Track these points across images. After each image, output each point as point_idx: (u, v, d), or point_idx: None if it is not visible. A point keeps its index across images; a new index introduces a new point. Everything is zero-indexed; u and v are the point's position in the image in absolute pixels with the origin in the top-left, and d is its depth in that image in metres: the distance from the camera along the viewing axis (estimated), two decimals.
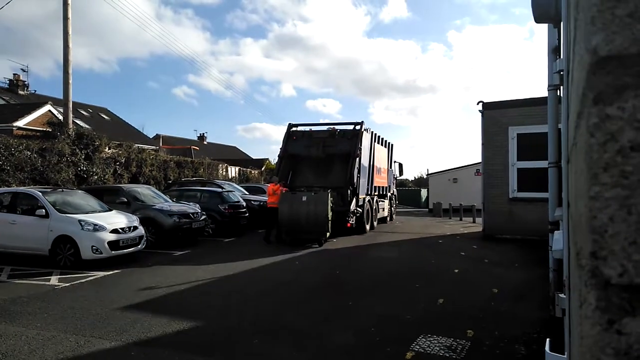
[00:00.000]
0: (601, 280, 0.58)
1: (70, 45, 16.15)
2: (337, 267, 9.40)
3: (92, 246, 9.01)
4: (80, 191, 11.37)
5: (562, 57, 2.92)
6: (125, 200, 12.03)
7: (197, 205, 13.39)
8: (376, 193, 17.36)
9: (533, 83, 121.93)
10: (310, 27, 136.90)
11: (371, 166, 16.27)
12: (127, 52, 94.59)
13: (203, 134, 46.45)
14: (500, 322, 5.64)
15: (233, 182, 22.89)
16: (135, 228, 10.06)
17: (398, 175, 23.56)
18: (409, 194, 37.28)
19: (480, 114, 13.57)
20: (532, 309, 6.21)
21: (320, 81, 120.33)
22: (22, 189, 10.74)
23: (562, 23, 2.42)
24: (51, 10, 75.41)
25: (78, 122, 23.99)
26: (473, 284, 7.84)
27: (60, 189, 11.05)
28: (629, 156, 0.57)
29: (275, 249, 11.59)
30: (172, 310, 6.08)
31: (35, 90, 29.93)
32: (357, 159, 14.47)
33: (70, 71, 16.36)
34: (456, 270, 8.94)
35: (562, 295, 2.68)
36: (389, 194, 20.16)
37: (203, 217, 12.86)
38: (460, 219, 21.16)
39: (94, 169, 16.19)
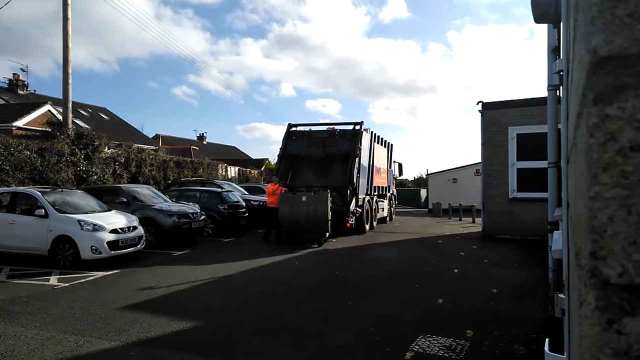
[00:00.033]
0: (601, 280, 0.58)
1: (70, 45, 16.14)
2: (337, 267, 9.40)
3: (92, 246, 9.00)
4: (79, 191, 11.36)
5: (561, 57, 2.92)
6: (125, 200, 12.03)
7: (197, 205, 13.39)
8: (376, 193, 17.35)
9: (533, 83, 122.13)
10: (310, 27, 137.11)
11: (371, 166, 16.27)
12: (127, 52, 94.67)
13: (202, 134, 46.45)
14: (499, 322, 5.64)
15: (232, 182, 22.88)
16: (135, 228, 10.06)
17: (397, 175, 23.55)
18: (409, 194, 37.28)
19: (479, 114, 13.57)
20: (532, 309, 6.21)
21: (319, 81, 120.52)
22: (21, 189, 10.73)
23: (561, 23, 2.42)
24: (51, 10, 75.52)
25: (77, 122, 23.98)
26: (472, 284, 7.84)
27: (60, 189, 11.04)
28: (629, 156, 0.57)
29: (275, 249, 11.59)
30: (171, 310, 6.08)
31: (35, 90, 29.92)
32: (357, 159, 14.46)
33: (70, 71, 16.35)
34: (456, 271, 8.94)
35: (561, 296, 2.68)
36: (388, 194, 20.16)
37: (202, 217, 12.85)
38: (460, 219, 21.17)
39: (94, 169, 16.18)
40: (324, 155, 15.20)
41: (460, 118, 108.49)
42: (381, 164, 18.37)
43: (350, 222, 13.88)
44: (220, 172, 26.39)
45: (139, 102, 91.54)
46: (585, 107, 0.62)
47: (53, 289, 7.37)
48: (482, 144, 13.61)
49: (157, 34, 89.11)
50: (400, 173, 24.22)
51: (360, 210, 14.67)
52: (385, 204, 19.32)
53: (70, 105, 16.88)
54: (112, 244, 9.27)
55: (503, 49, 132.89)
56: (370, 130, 16.55)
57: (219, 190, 15.59)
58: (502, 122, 13.10)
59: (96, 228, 9.17)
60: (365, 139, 15.54)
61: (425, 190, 33.41)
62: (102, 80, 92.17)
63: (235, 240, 13.51)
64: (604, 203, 0.58)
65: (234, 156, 43.24)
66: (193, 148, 34.34)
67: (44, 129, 18.25)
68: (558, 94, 3.83)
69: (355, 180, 14.24)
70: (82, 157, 15.91)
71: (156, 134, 38.85)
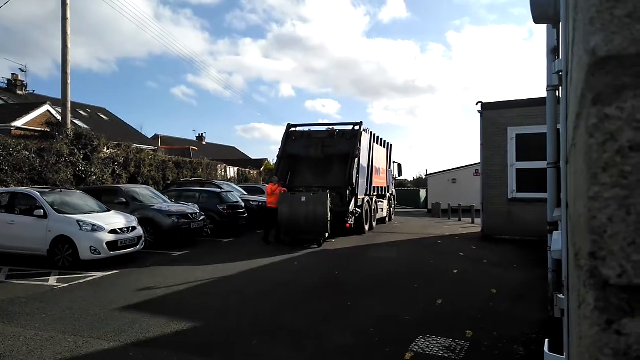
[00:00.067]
0: (600, 281, 0.58)
1: (69, 45, 16.12)
2: (336, 268, 9.40)
3: (91, 247, 8.99)
4: (78, 191, 11.35)
5: (561, 57, 2.92)
6: (124, 200, 12.02)
7: (196, 206, 13.38)
8: (375, 193, 17.36)
9: (532, 83, 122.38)
10: (309, 28, 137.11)
11: (370, 166, 16.27)
12: (126, 52, 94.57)
13: (202, 134, 46.42)
14: (499, 322, 5.64)
15: (232, 182, 22.86)
16: (134, 228, 10.05)
17: (397, 175, 23.56)
18: (408, 194, 37.33)
19: (479, 114, 13.58)
20: (531, 309, 6.21)
21: (319, 81, 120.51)
22: (20, 189, 10.72)
23: (561, 24, 2.43)
24: (50, 10, 75.52)
25: (76, 122, 23.96)
26: (472, 284, 7.85)
27: (59, 189, 11.03)
28: (628, 156, 0.57)
29: (274, 250, 11.59)
30: (170, 311, 6.08)
31: (34, 90, 29.87)
32: (356, 159, 14.47)
33: (69, 71, 16.32)
34: (455, 271, 8.95)
35: (560, 296, 2.68)
36: (388, 195, 20.17)
37: (202, 217, 12.85)
38: (459, 220, 21.18)
39: (93, 169, 16.17)
40: (323, 155, 15.21)
41: (459, 118, 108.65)
42: (380, 165, 18.38)
43: (349, 222, 13.88)
44: (220, 172, 26.38)
45: (138, 102, 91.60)
46: (584, 107, 0.62)
47: (52, 290, 7.36)
48: (482, 145, 13.62)
49: (156, 34, 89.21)
50: (400, 173, 24.23)
51: (359, 210, 14.68)
52: (384, 204, 19.33)
53: (69, 105, 16.86)
54: (111, 245, 9.26)
55: (502, 49, 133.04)
56: (370, 130, 16.57)
57: (218, 190, 15.59)
58: (502, 123, 13.11)
59: (95, 228, 9.16)
60: (365, 139, 15.55)
61: (425, 190, 33.45)
62: (101, 80, 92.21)
63: (234, 240, 13.50)
64: (604, 203, 0.58)
65: (233, 156, 43.21)
66: (192, 148, 34.29)
67: (42, 129, 18.20)
68: (557, 95, 3.83)
69: (354, 181, 14.25)
70: (81, 157, 15.90)
71: (155, 134, 38.86)
